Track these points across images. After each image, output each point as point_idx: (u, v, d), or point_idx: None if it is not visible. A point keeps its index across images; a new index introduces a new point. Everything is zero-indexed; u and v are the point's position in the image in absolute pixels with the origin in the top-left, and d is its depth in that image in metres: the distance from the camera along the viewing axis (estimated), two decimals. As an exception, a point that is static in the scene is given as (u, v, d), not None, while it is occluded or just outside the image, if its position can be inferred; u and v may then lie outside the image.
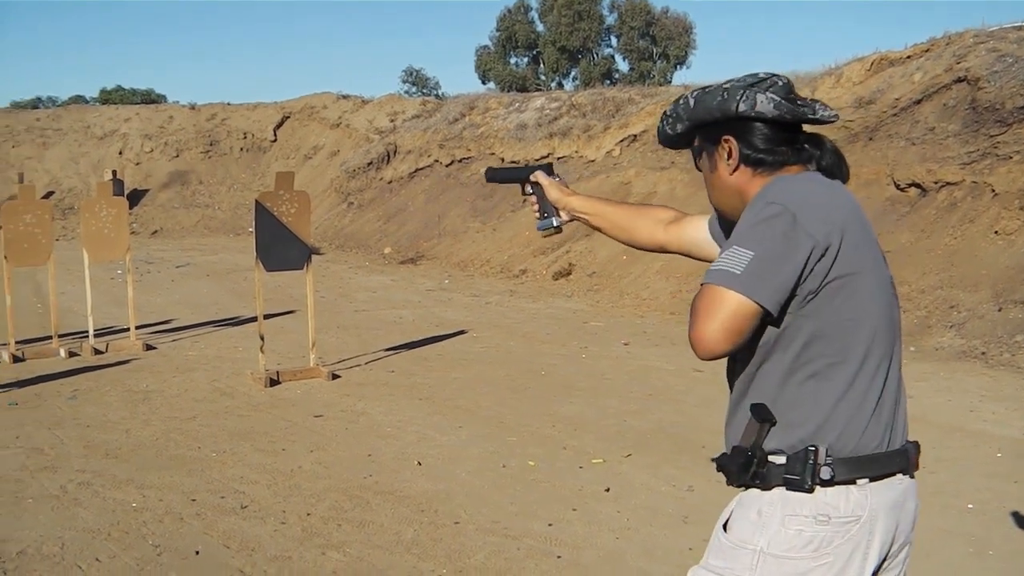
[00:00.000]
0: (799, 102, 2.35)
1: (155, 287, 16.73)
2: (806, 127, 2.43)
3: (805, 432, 2.23)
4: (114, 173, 28.66)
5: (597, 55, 45.58)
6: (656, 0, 44.90)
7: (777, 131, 2.36)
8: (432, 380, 9.42)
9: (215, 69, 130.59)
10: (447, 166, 24.10)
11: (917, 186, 13.43)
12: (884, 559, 2.30)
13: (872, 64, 16.18)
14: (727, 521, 2.36)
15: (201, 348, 11.16)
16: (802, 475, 2.21)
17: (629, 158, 19.73)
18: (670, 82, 41.00)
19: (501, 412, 8.24)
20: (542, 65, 46.03)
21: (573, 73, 45.67)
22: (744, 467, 2.27)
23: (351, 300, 15.23)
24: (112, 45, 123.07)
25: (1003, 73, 13.33)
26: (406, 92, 43.52)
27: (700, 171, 2.56)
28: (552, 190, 3.09)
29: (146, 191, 30.74)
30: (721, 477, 2.38)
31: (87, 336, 10.99)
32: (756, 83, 2.36)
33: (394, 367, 10.02)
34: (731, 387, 2.40)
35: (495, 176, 3.46)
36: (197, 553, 5.21)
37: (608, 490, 6.20)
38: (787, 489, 2.23)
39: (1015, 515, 5.69)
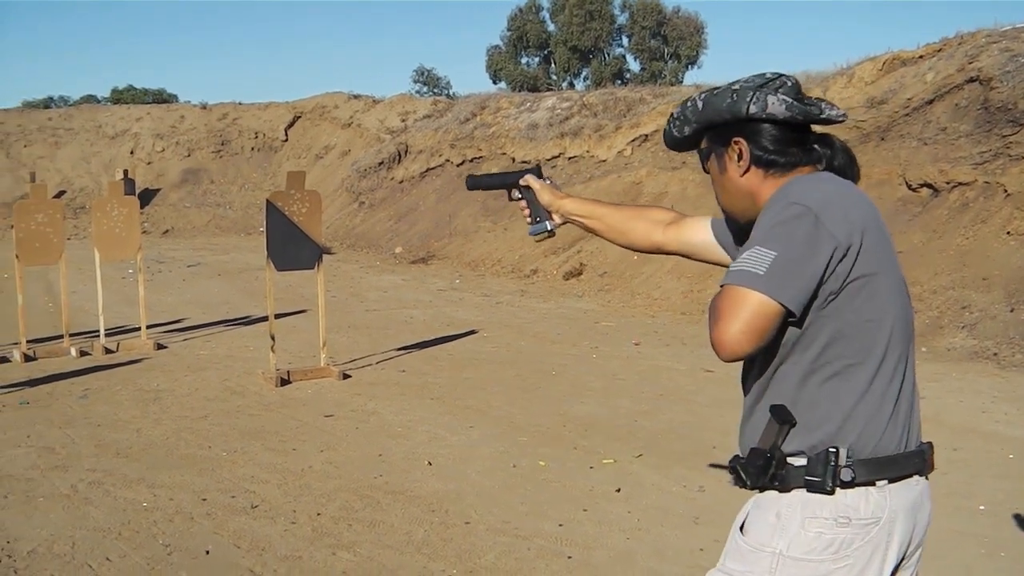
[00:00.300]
0: (808, 102, 2.34)
1: (166, 286, 16.76)
2: (815, 127, 2.42)
3: (825, 434, 2.22)
4: (125, 172, 28.70)
5: (608, 55, 45.54)
6: (667, 0, 44.87)
7: (787, 132, 2.35)
8: (443, 380, 9.42)
9: (226, 68, 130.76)
10: (458, 166, 24.09)
11: (929, 186, 13.39)
12: (901, 560, 2.29)
13: (884, 64, 16.13)
14: (744, 523, 2.34)
15: (212, 347, 11.18)
16: (823, 477, 2.20)
17: (640, 158, 19.70)
18: (681, 82, 40.96)
19: (512, 412, 8.23)
20: (553, 65, 46.01)
21: (584, 73, 45.65)
22: (763, 469, 2.25)
23: (362, 300, 15.24)
24: (123, 45, 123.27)
25: (1016, 73, 13.28)
26: (417, 92, 43.52)
27: (708, 173, 2.54)
28: (544, 193, 3.07)
29: (158, 190, 30.78)
30: (731, 479, 2.36)
31: (98, 335, 11.01)
32: (765, 84, 2.35)
33: (405, 367, 10.02)
34: (745, 389, 2.39)
35: (478, 184, 3.32)
36: (207, 553, 5.21)
37: (619, 490, 6.19)
38: (807, 491, 2.22)
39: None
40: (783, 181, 2.34)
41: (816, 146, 2.39)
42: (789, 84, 2.36)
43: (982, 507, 5.85)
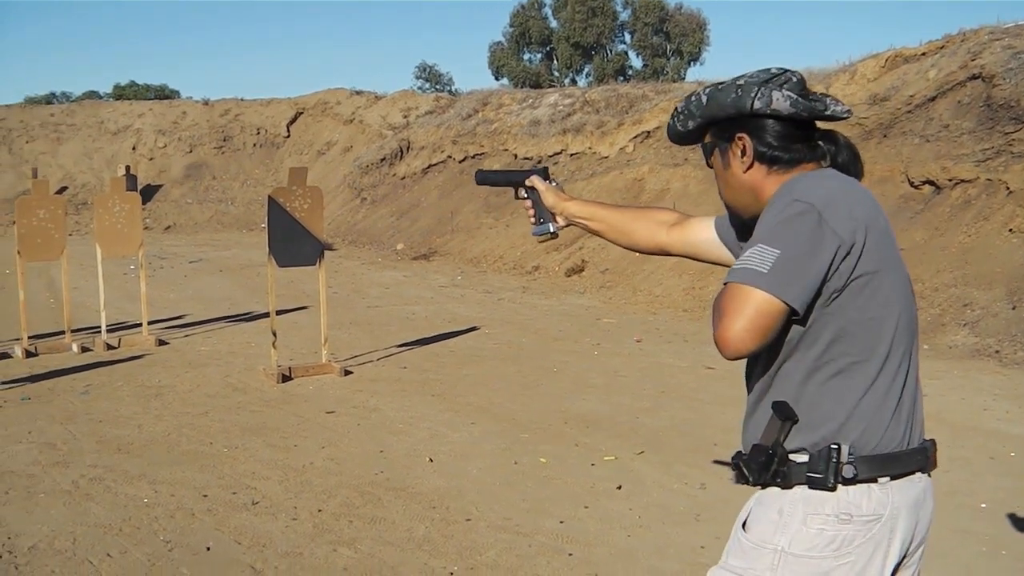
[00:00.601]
0: (812, 98, 2.33)
1: (168, 282, 16.76)
2: (820, 123, 2.41)
3: (828, 430, 2.21)
4: (127, 168, 28.73)
5: (611, 51, 45.48)
6: (670, -3, 44.81)
7: (792, 128, 2.34)
8: (444, 376, 9.42)
9: (228, 65, 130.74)
10: (460, 162, 24.10)
11: (931, 183, 13.39)
12: (903, 557, 2.28)
13: (887, 61, 16.12)
14: (746, 520, 2.34)
15: (213, 344, 11.18)
16: (825, 473, 2.19)
17: (642, 154, 19.70)
18: (684, 78, 40.92)
19: (513, 409, 8.23)
20: (556, 61, 45.97)
21: (587, 69, 45.59)
22: (765, 465, 2.24)
23: (364, 296, 15.24)
24: (126, 41, 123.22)
25: (1018, 70, 13.27)
26: (419, 88, 43.49)
27: (711, 168, 2.53)
28: (548, 195, 3.07)
29: (159, 186, 30.81)
30: (733, 476, 2.36)
31: (100, 331, 11.01)
32: (770, 79, 2.34)
33: (406, 363, 10.02)
34: (748, 386, 2.38)
35: (486, 179, 3.33)
36: (208, 549, 5.21)
37: (620, 487, 6.19)
38: (809, 488, 2.21)
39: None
40: (787, 177, 2.33)
41: (820, 142, 2.38)
42: (794, 80, 2.35)
43: (983, 505, 5.84)
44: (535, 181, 3.09)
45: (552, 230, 3.10)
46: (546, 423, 7.77)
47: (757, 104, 2.30)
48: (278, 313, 9.83)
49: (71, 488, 6.17)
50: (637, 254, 15.25)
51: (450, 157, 24.56)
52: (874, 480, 2.20)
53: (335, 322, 11.05)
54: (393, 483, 6.29)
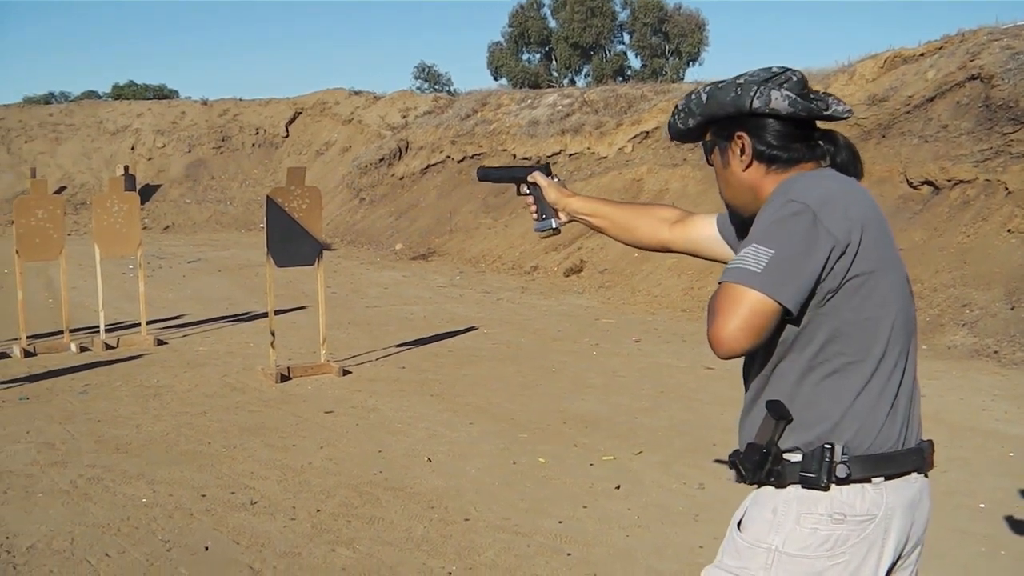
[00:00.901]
0: (813, 97, 2.33)
1: (166, 282, 16.76)
2: (820, 123, 2.41)
3: (822, 430, 2.21)
4: (126, 168, 28.73)
5: (609, 52, 45.51)
6: (669, -3, 44.82)
7: (791, 127, 2.34)
8: (443, 376, 9.41)
9: (227, 65, 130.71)
10: (459, 162, 24.10)
11: (930, 184, 13.39)
12: (898, 558, 2.28)
13: (885, 61, 16.12)
14: (741, 520, 2.34)
15: (212, 343, 11.18)
16: (818, 473, 2.20)
17: (641, 155, 19.70)
18: (682, 79, 40.94)
19: (512, 409, 8.23)
20: (554, 61, 45.99)
21: (585, 70, 45.62)
22: (759, 464, 2.25)
23: (362, 296, 15.23)
24: (124, 41, 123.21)
25: (1017, 71, 13.27)
26: (418, 88, 43.49)
27: (711, 166, 2.53)
28: (551, 191, 3.07)
29: (158, 186, 30.81)
30: (732, 475, 2.36)
31: (98, 331, 11.01)
32: (770, 79, 2.33)
33: (405, 363, 10.02)
34: (746, 385, 2.38)
35: (488, 175, 3.34)
36: (207, 549, 5.21)
37: (619, 487, 6.18)
38: (802, 487, 2.21)
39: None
40: (785, 177, 2.33)
41: (820, 142, 2.38)
42: (795, 79, 2.34)
43: (982, 505, 5.84)
44: (537, 177, 3.09)
45: (554, 226, 3.10)
46: (545, 423, 7.77)
47: (756, 103, 2.30)
48: (276, 313, 9.83)
49: (69, 488, 6.17)
50: (636, 254, 15.27)
51: (449, 157, 24.56)
52: (868, 480, 2.20)
53: (334, 322, 11.05)
54: (391, 483, 6.29)
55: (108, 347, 10.77)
